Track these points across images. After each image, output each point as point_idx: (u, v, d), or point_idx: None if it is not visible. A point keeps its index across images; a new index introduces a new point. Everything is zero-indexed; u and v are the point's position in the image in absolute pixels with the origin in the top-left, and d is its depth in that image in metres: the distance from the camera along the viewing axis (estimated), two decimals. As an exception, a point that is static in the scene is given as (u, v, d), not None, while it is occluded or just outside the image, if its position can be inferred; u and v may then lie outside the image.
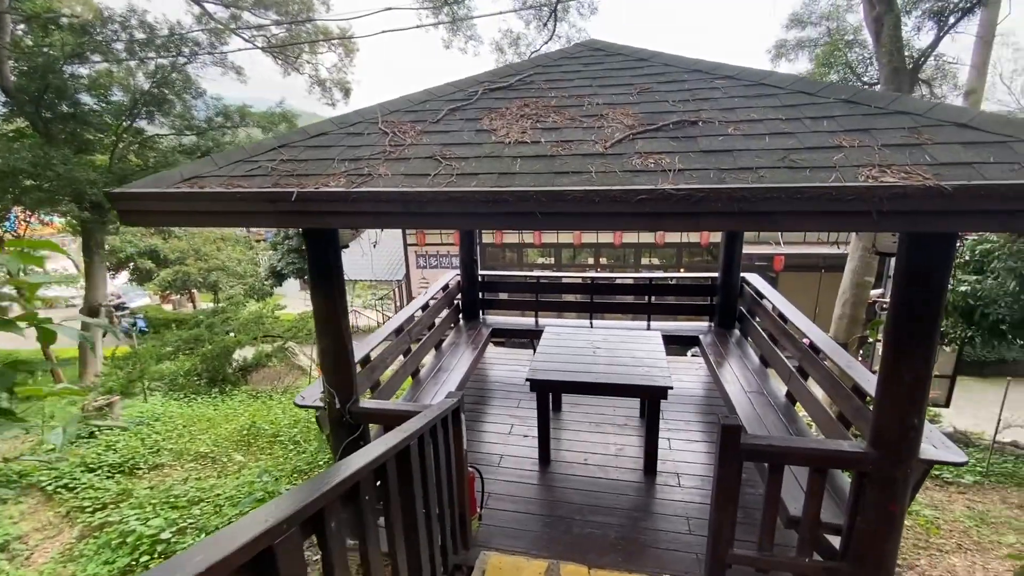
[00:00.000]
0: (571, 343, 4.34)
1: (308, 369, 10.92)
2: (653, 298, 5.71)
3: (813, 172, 1.74)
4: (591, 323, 5.76)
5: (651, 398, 3.54)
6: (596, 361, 3.92)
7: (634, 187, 1.77)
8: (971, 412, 10.96)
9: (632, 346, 4.21)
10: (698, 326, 5.52)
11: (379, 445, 1.77)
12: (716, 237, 15.74)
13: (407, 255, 18.42)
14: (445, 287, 5.73)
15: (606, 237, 16.56)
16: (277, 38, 12.38)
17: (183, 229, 20.76)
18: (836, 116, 2.08)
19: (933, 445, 2.43)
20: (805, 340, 4.06)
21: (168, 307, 25.45)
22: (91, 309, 10.63)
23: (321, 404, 2.99)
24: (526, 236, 17.26)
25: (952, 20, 6.28)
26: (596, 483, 3.65)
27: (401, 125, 2.49)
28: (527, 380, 3.67)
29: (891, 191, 1.60)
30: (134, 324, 20.95)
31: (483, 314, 6.07)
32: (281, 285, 22.13)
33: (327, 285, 2.78)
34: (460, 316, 5.94)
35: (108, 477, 5.47)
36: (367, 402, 3.06)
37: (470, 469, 3.07)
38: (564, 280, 6.30)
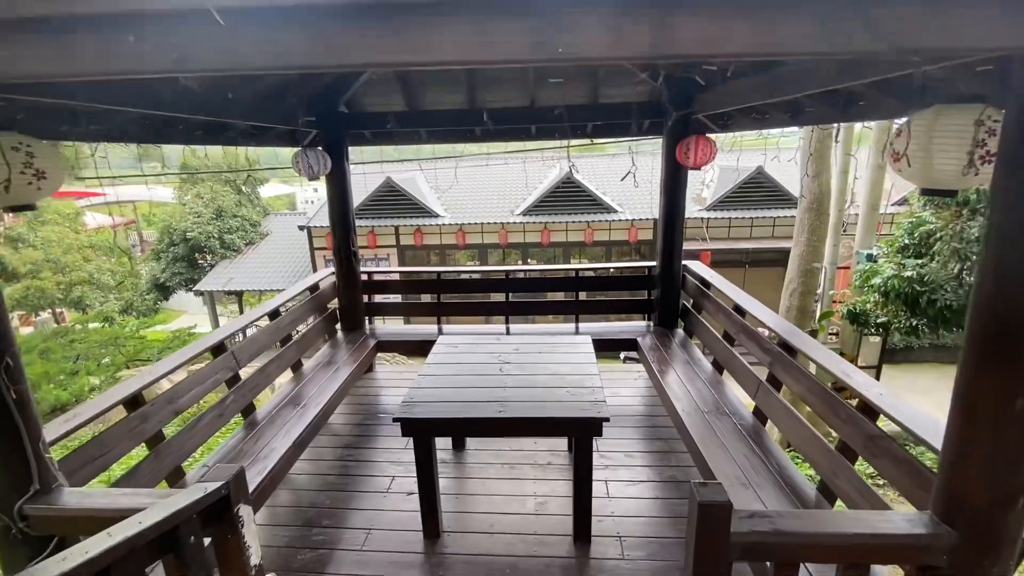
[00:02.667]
0: (471, 358, 3.14)
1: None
2: (582, 295, 4.67)
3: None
4: (507, 328, 4.62)
5: (581, 435, 2.43)
6: (503, 383, 2.75)
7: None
8: (893, 401, 11.02)
9: (554, 357, 3.09)
10: (635, 326, 4.54)
11: None
12: (645, 234, 15.32)
13: (314, 260, 16.47)
14: (314, 288, 4.35)
15: (533, 236, 15.63)
16: None
17: (38, 235, 17.42)
18: None
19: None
20: (762, 331, 3.17)
21: (28, 330, 21.46)
22: None
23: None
24: (447, 237, 15.93)
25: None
26: (506, 567, 2.46)
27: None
28: (395, 420, 2.42)
29: None
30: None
31: (369, 323, 4.74)
32: (167, 299, 19.23)
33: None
34: (338, 326, 4.58)
35: None
36: (72, 494, 1.67)
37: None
38: (472, 276, 5.11)
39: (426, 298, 5.14)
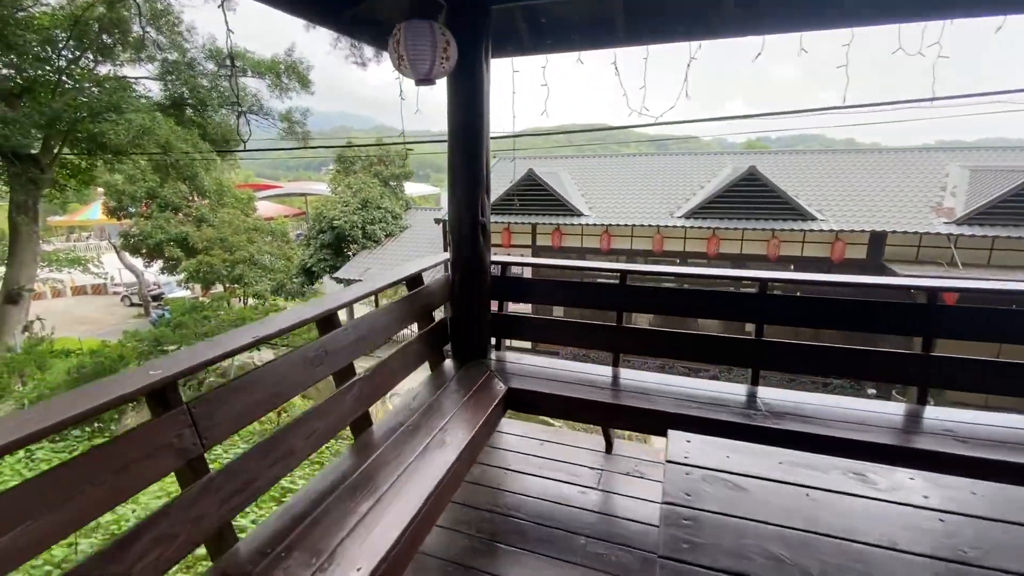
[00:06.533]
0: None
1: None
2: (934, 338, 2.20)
3: None
4: (755, 395, 2.34)
5: None
6: None
7: None
8: None
9: None
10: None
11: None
12: (856, 251, 11.53)
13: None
14: (414, 281, 2.55)
15: (696, 244, 12.77)
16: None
17: (217, 216, 19.22)
18: None
19: None
20: None
21: (207, 301, 24.29)
22: (8, 295, 8.40)
23: None
24: (589, 240, 13.79)
25: None
26: None
27: None
28: None
29: None
30: (162, 316, 19.86)
31: (496, 348, 2.82)
32: (313, 284, 20.04)
33: None
34: (447, 348, 2.73)
35: None
36: None
37: None
38: (680, 279, 2.85)
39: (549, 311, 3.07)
